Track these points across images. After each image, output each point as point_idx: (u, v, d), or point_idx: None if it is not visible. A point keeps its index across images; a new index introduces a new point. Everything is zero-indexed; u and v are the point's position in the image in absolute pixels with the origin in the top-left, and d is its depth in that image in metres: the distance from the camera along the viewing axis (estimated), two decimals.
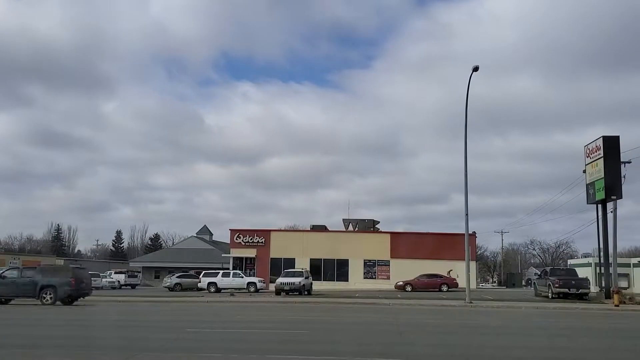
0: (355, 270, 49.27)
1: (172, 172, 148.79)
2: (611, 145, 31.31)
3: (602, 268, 32.37)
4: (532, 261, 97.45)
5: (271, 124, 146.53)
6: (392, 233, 52.38)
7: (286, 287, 34.92)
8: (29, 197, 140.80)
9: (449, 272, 45.27)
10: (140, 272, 65.10)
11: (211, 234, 78.72)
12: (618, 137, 31.79)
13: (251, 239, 50.29)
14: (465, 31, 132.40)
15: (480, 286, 58.84)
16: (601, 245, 32.40)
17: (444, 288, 42.48)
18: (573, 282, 31.93)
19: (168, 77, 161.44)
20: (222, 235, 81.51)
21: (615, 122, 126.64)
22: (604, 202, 31.88)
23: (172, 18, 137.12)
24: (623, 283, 35.89)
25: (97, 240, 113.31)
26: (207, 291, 40.38)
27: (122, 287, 53.88)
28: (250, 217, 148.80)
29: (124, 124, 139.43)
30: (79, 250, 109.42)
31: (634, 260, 40.90)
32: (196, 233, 78.50)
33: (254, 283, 41.06)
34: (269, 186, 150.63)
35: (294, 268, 41.62)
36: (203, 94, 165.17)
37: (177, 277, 47.91)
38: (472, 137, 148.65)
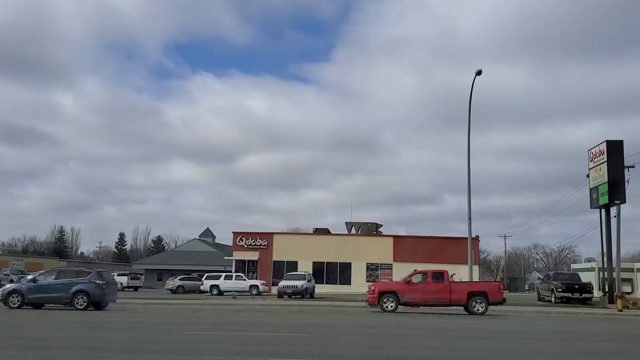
0: (358, 273, 49.19)
1: (148, 170, 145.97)
2: (615, 149, 31.27)
3: (606, 273, 32.28)
4: (536, 265, 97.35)
5: (241, 120, 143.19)
6: (394, 236, 52.30)
7: (289, 290, 34.90)
8: (4, 195, 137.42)
9: (452, 276, 45.11)
10: (142, 274, 65.17)
11: (214, 237, 78.78)
12: (622, 141, 31.74)
13: (254, 242, 50.28)
14: (443, 12, 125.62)
15: None
16: (604, 250, 32.31)
17: None
18: (576, 286, 31.83)
19: (122, 66, 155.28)
20: (220, 238, 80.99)
21: (604, 117, 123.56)
22: (607, 207, 31.82)
23: (123, 2, 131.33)
24: (627, 288, 35.77)
25: (100, 242, 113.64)
26: (209, 294, 40.38)
27: (125, 289, 53.88)
28: (238, 218, 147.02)
29: (85, 119, 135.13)
30: (81, 252, 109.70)
31: (638, 265, 40.76)
32: (199, 236, 78.59)
33: (257, 286, 41.07)
34: (252, 186, 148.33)
35: (296, 271, 41.60)
36: (161, 85, 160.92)
37: (179, 279, 47.95)
38: (460, 134, 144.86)
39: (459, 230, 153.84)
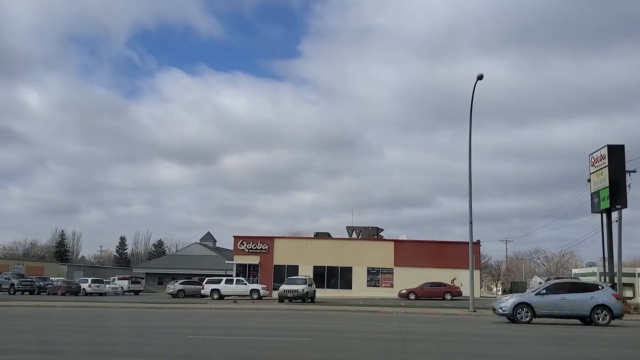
0: (359, 278, 49.17)
1: (128, 170, 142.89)
2: (616, 154, 31.28)
3: (607, 277, 32.22)
4: (537, 270, 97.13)
5: (218, 119, 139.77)
6: (395, 241, 52.29)
7: (289, 295, 34.84)
8: None
9: (453, 280, 45.13)
10: (143, 278, 65.14)
11: (214, 241, 78.74)
12: (623, 146, 31.76)
13: (255, 246, 50.30)
14: (422, 3, 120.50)
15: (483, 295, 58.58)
16: (606, 254, 32.26)
17: (448, 297, 42.33)
18: None
19: (87, 60, 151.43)
20: (219, 242, 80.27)
21: (594, 114, 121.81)
22: (608, 211, 31.78)
23: None
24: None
25: (101, 246, 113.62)
26: (210, 298, 40.34)
27: (126, 293, 53.90)
28: (229, 221, 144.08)
29: (55, 117, 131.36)
30: (82, 256, 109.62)
31: (639, 270, 40.70)
32: (200, 240, 78.57)
33: (257, 290, 41.01)
34: (239, 188, 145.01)
35: (297, 275, 41.58)
36: (130, 82, 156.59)
37: (180, 283, 47.90)
38: (447, 133, 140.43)
39: (455, 233, 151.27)
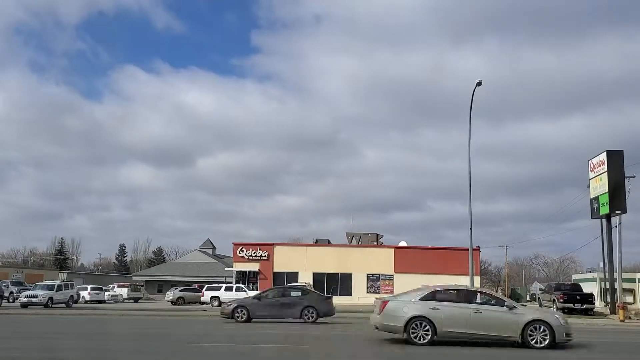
0: (359, 284, 49.06)
1: (104, 173, 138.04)
2: (615, 159, 31.35)
3: (607, 283, 32.21)
4: (537, 276, 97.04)
5: (186, 120, 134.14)
6: (395, 247, 52.23)
7: None
8: None
9: None
10: (143, 285, 65.00)
11: (214, 248, 78.67)
12: (622, 151, 31.85)
13: (254, 253, 50.22)
14: None
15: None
16: (606, 260, 32.28)
17: None
18: (578, 297, 31.73)
19: (37, 56, 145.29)
20: (219, 249, 79.61)
21: (578, 109, 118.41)
22: (608, 217, 31.80)
23: None
24: (628, 298, 35.71)
25: (100, 253, 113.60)
26: (209, 305, 40.25)
27: (125, 300, 53.75)
28: (217, 226, 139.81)
29: (15, 117, 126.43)
30: (82, 264, 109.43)
31: (639, 276, 40.66)
32: (199, 247, 78.53)
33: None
34: (220, 191, 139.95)
35: (296, 282, 41.48)
36: (88, 81, 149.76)
37: (179, 290, 47.81)
38: (429, 130, 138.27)
39: (448, 237, 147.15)
